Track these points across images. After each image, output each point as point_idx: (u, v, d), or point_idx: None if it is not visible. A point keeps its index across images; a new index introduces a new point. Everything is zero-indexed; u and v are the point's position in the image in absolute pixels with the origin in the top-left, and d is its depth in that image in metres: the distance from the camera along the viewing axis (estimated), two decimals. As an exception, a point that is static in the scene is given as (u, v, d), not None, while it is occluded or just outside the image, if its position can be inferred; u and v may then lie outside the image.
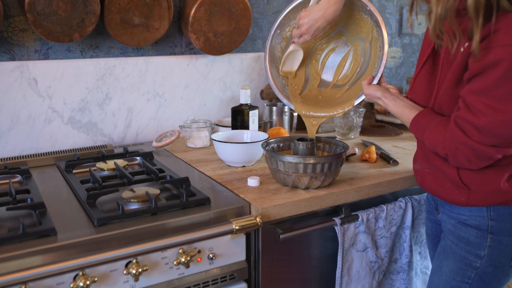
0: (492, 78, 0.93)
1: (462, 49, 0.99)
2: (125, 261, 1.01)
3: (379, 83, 1.26)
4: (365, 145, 1.68)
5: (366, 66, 1.36)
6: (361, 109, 1.79)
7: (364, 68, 1.36)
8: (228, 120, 1.76)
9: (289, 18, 1.44)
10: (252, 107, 1.63)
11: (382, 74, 1.27)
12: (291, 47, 1.42)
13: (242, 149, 1.39)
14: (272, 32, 1.45)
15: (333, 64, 1.45)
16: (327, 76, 1.45)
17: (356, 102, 1.31)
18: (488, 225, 1.07)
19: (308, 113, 1.37)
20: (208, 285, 1.14)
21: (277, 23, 1.44)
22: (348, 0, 1.34)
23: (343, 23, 1.41)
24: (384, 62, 1.28)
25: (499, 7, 0.91)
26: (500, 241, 1.07)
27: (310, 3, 1.36)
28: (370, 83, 1.26)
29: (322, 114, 1.36)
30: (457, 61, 1.01)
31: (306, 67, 1.46)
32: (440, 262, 1.16)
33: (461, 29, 0.96)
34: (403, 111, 1.15)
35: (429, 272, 1.41)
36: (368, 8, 1.32)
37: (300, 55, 1.44)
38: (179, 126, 1.67)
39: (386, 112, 1.98)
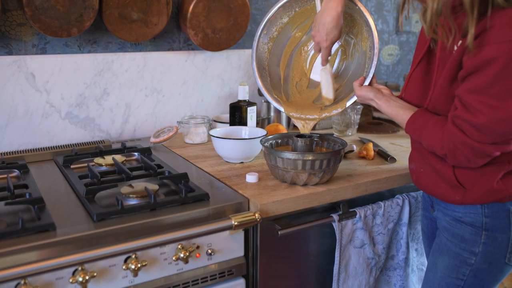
0: (488, 76, 0.93)
1: (456, 47, 0.99)
2: (124, 257, 1.02)
3: (370, 84, 1.24)
4: (362, 142, 1.69)
5: (356, 66, 1.34)
6: (358, 106, 1.80)
7: (354, 68, 1.35)
8: (226, 116, 1.76)
9: (276, 18, 1.40)
10: (250, 104, 1.63)
11: (373, 75, 1.24)
12: (321, 74, 1.34)
13: (241, 145, 1.40)
14: (259, 33, 1.40)
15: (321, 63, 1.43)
16: (316, 76, 1.42)
17: (348, 103, 1.28)
18: (483, 222, 1.08)
19: (298, 115, 1.35)
20: (207, 281, 1.14)
21: (263, 23, 1.40)
22: None
23: None
24: (375, 62, 1.24)
25: (494, 3, 0.91)
26: (495, 238, 1.08)
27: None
28: (361, 84, 1.23)
29: (312, 116, 1.34)
30: (451, 59, 1.01)
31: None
32: (435, 259, 1.17)
33: (456, 24, 0.96)
34: (398, 112, 1.13)
35: (425, 269, 1.43)
36: (357, 7, 1.28)
37: (326, 74, 1.35)
38: (177, 122, 1.67)
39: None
